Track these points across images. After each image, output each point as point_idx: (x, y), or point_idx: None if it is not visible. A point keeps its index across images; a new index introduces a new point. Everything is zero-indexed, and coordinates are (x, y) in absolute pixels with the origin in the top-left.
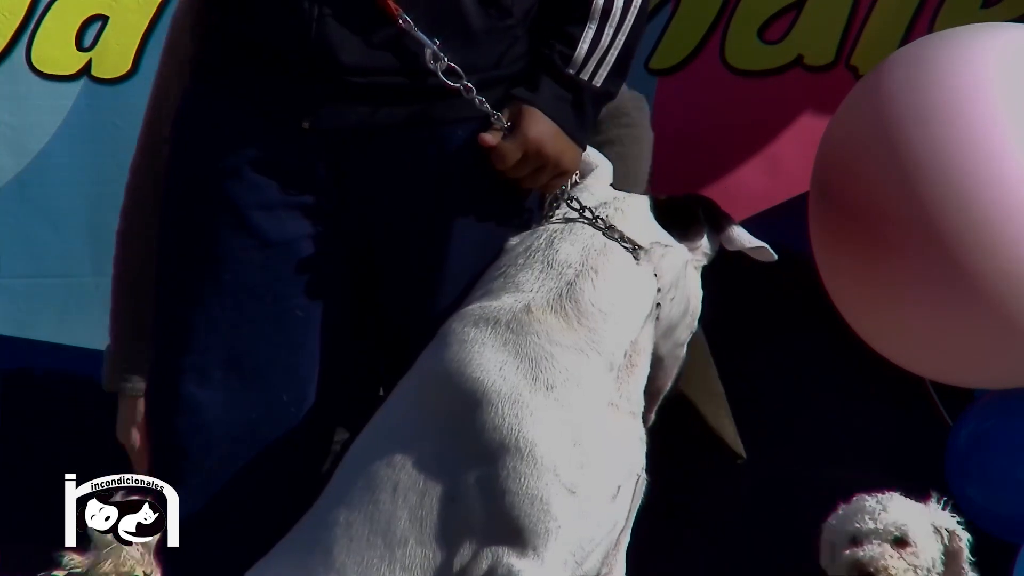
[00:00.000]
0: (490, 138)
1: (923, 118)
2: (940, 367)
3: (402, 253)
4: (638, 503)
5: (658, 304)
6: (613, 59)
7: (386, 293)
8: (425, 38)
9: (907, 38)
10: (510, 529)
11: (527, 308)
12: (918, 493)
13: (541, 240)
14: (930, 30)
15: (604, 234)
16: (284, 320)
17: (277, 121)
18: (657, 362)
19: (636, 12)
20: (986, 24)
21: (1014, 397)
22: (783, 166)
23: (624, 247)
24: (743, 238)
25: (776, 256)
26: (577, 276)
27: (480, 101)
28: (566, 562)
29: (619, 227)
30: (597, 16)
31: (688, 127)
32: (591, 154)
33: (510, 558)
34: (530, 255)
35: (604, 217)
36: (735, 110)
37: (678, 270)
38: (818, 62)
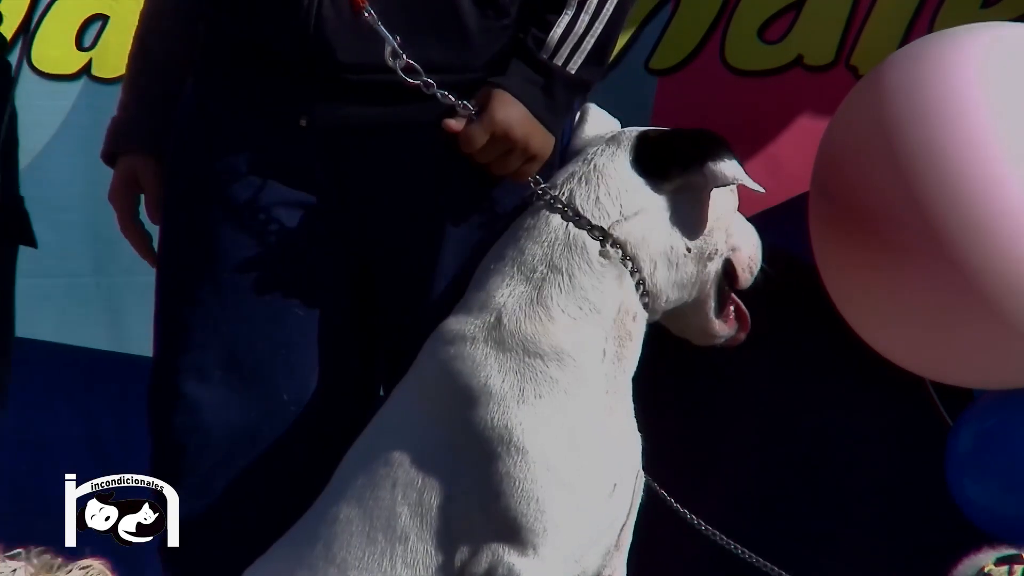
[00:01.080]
0: (454, 123)
1: (923, 118)
2: (940, 367)
3: (401, 253)
4: (638, 502)
5: (640, 281)
6: (589, 47)
7: (385, 293)
8: (386, 33)
9: (907, 38)
10: (508, 528)
11: (498, 322)
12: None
13: (511, 238)
14: (930, 30)
15: (574, 224)
16: (283, 319)
17: (276, 121)
18: (678, 305)
19: (615, 2)
20: (986, 24)
21: (1014, 397)
22: (783, 166)
23: (592, 235)
24: (722, 173)
25: (763, 189)
26: (544, 280)
27: (443, 95)
28: (565, 559)
29: (586, 202)
30: (574, 3)
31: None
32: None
33: (510, 557)
34: (503, 255)
35: (569, 201)
36: (735, 110)
37: (652, 231)
38: (818, 62)
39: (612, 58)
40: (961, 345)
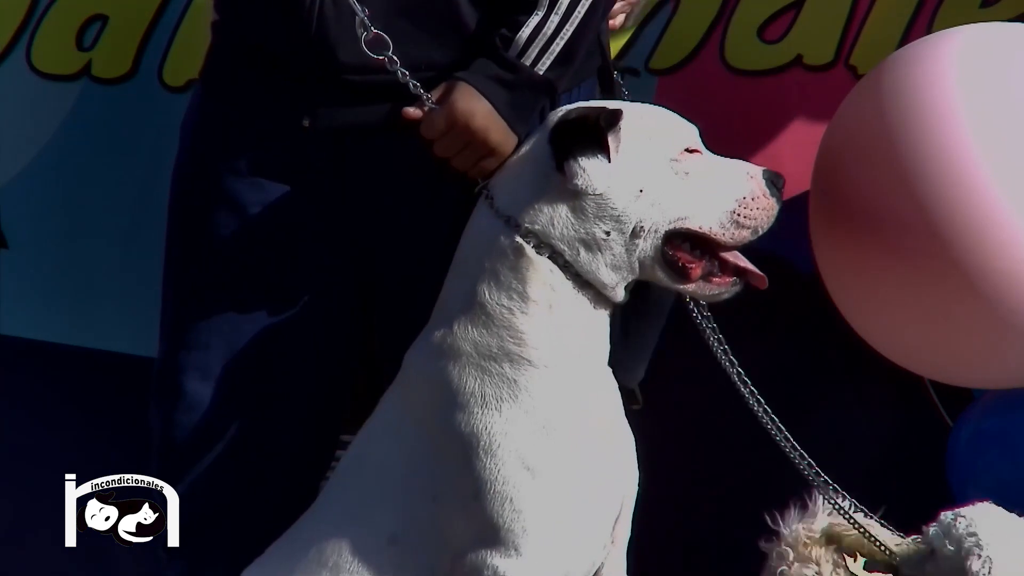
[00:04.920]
0: (412, 110)
1: (923, 118)
2: (940, 367)
3: (401, 252)
4: (633, 495)
5: (564, 263)
6: (558, 49)
7: (387, 292)
8: (355, 4)
9: (906, 38)
10: (489, 530)
11: (450, 330)
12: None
13: (461, 240)
14: (929, 30)
15: (494, 215)
16: (287, 319)
17: (279, 122)
18: (634, 279)
19: (587, 6)
20: (985, 24)
21: (1014, 397)
22: (783, 166)
23: (507, 226)
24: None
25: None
26: (477, 280)
27: (403, 73)
28: (550, 556)
29: (504, 192)
30: (545, 4)
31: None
32: None
33: (493, 559)
34: (455, 259)
35: (491, 193)
36: (735, 110)
37: (562, 218)
38: (817, 62)
39: (614, 57)
40: (961, 345)
